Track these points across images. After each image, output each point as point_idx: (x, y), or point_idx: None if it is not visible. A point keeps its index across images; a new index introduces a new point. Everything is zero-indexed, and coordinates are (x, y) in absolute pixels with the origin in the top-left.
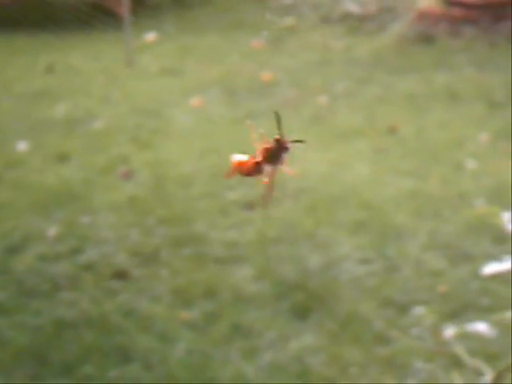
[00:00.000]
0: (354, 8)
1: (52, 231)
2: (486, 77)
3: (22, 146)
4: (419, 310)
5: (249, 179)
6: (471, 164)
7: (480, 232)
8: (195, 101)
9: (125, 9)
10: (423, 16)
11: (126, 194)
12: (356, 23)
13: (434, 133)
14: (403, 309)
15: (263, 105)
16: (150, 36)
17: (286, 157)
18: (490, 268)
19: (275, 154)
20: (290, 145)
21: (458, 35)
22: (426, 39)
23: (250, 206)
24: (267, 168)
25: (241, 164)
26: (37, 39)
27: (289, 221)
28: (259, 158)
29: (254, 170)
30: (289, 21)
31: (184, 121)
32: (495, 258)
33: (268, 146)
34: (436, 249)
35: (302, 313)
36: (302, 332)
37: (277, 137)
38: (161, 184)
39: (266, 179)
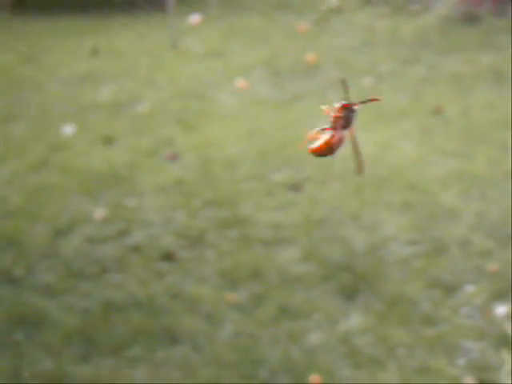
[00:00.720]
0: None
1: (99, 213)
2: None
3: (68, 130)
4: (468, 289)
5: (295, 160)
6: None
7: None
8: (240, 82)
9: None
10: None
11: (172, 177)
12: (400, 3)
13: (480, 113)
14: (451, 289)
15: (308, 86)
16: (195, 18)
17: (355, 119)
18: None
19: (346, 119)
20: (358, 106)
21: (503, 15)
22: (471, 19)
23: (295, 187)
24: (343, 134)
25: (316, 149)
26: (81, 22)
27: (334, 202)
28: (332, 130)
29: (333, 145)
30: (333, 1)
31: (229, 103)
32: None
33: (337, 114)
34: (483, 230)
35: (349, 294)
36: (349, 313)
37: (343, 102)
38: (207, 166)
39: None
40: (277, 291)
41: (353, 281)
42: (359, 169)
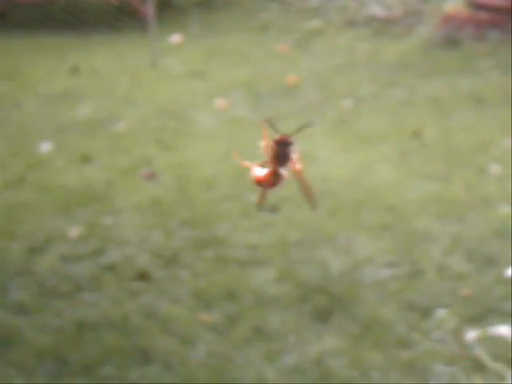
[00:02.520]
0: (379, 11)
1: (74, 232)
2: (511, 81)
3: (45, 147)
4: (441, 313)
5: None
6: (495, 168)
7: (504, 237)
8: (220, 103)
9: (150, 10)
10: (449, 20)
11: (149, 196)
12: (381, 26)
13: (459, 137)
14: (426, 312)
15: (288, 107)
16: (175, 38)
17: (295, 151)
18: None
19: (283, 154)
20: (292, 138)
21: (484, 39)
22: (452, 43)
23: (272, 208)
24: (284, 171)
25: (261, 179)
26: (62, 40)
27: (311, 224)
28: (272, 166)
29: (275, 179)
30: (314, 23)
31: (208, 123)
32: None
33: (273, 150)
34: (460, 253)
35: (323, 316)
36: (323, 335)
37: (276, 138)
38: (184, 186)
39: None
40: (251, 312)
41: (328, 303)
42: (311, 203)
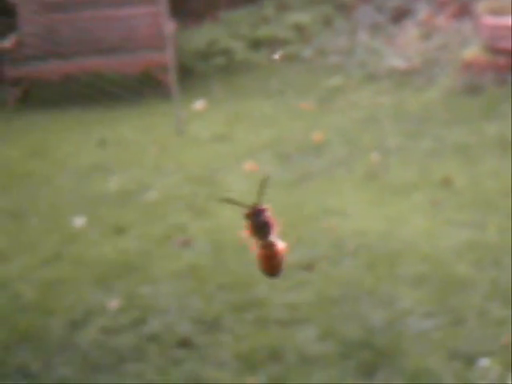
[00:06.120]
0: (399, 63)
1: (114, 304)
2: None
3: (79, 221)
4: (485, 363)
5: (307, 240)
6: None
7: None
8: (248, 165)
9: (172, 79)
10: (469, 67)
11: (185, 263)
12: (402, 78)
13: (488, 182)
14: (470, 361)
15: (316, 165)
16: (199, 104)
17: (269, 218)
18: None
19: (262, 223)
20: (260, 207)
21: (506, 84)
22: (474, 90)
23: (308, 266)
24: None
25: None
26: (87, 114)
27: (349, 279)
28: (260, 241)
29: (271, 252)
30: (336, 80)
31: (238, 186)
32: None
33: (250, 225)
34: (499, 298)
35: (369, 371)
36: None
37: (246, 211)
38: (219, 250)
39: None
40: (296, 372)
41: (372, 357)
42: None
